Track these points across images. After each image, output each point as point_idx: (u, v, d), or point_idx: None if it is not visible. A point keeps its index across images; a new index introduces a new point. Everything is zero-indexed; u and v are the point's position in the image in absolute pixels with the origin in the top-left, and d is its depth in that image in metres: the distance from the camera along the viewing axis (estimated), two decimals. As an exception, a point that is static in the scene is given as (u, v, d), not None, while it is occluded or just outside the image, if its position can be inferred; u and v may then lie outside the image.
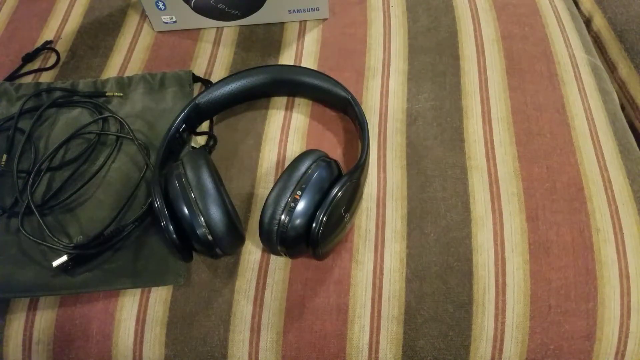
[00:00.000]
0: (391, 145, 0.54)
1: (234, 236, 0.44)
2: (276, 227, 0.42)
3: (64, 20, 0.68)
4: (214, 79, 0.61)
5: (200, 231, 0.42)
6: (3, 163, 0.53)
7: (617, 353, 0.46)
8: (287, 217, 0.42)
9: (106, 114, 0.56)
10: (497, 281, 0.47)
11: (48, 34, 0.67)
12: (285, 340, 0.46)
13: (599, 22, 0.74)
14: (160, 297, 0.48)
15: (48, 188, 0.52)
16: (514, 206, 0.50)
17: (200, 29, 0.66)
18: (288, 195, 0.42)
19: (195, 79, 0.60)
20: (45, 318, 0.48)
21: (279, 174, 0.51)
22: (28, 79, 0.63)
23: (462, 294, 0.47)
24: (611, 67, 0.72)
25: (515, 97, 0.57)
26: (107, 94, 0.58)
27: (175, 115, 0.52)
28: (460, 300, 0.47)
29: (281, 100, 0.58)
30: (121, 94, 0.59)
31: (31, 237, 0.48)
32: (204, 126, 0.57)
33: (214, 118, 0.57)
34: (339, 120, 0.57)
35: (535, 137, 0.54)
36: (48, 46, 0.65)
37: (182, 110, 0.52)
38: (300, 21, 0.66)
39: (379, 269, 0.48)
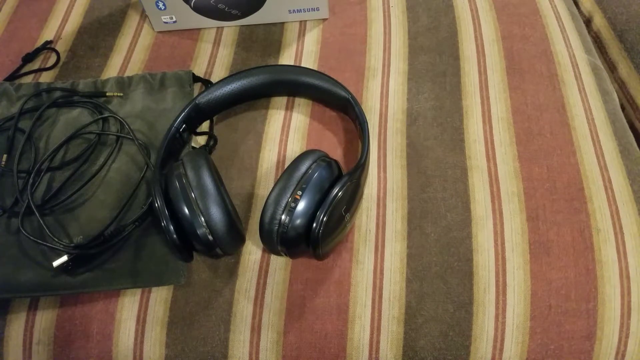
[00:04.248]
0: (391, 145, 0.54)
1: (235, 236, 0.44)
2: (276, 227, 0.42)
3: (64, 20, 0.68)
4: (214, 79, 0.61)
5: (201, 231, 0.42)
6: (3, 163, 0.53)
7: (617, 353, 0.46)
8: (288, 217, 0.42)
9: (106, 114, 0.56)
10: (497, 281, 0.47)
11: (48, 34, 0.67)
12: (286, 340, 0.46)
13: (599, 22, 0.74)
14: (160, 297, 0.48)
15: (48, 188, 0.52)
16: (514, 206, 0.50)
17: (200, 29, 0.66)
18: (288, 195, 0.42)
19: (195, 79, 0.60)
20: (45, 318, 0.48)
21: (279, 174, 0.51)
22: (28, 79, 0.63)
23: (463, 294, 0.47)
24: (611, 67, 0.72)
25: (516, 97, 0.57)
26: (107, 94, 0.58)
27: (175, 115, 0.52)
28: (460, 300, 0.47)
29: (281, 100, 0.58)
30: (121, 94, 0.59)
31: (31, 237, 0.47)
32: (204, 126, 0.57)
33: (214, 118, 0.57)
34: (339, 120, 0.57)
35: (535, 137, 0.54)
36: (48, 46, 0.65)
37: (182, 110, 0.52)
38: (300, 21, 0.66)
39: (380, 269, 0.48)
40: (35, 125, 0.56)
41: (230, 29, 0.66)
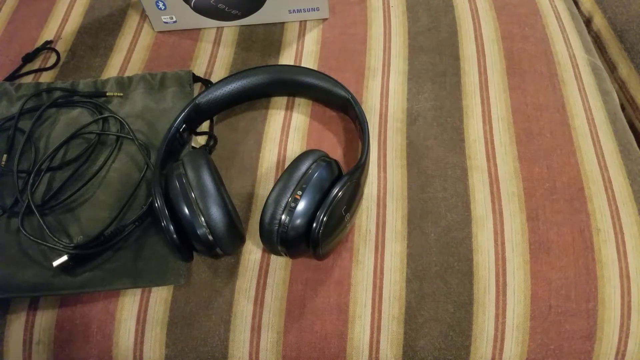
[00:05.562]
0: (391, 145, 0.54)
1: (235, 236, 0.44)
2: (277, 227, 0.42)
3: (64, 20, 0.68)
4: (214, 79, 0.61)
5: (201, 231, 0.42)
6: (3, 163, 0.53)
7: (617, 353, 0.46)
8: (288, 217, 0.42)
9: (106, 114, 0.56)
10: (497, 281, 0.47)
11: (48, 34, 0.67)
12: (286, 340, 0.46)
13: (599, 22, 0.74)
14: (160, 297, 0.48)
15: (48, 188, 0.52)
16: (515, 206, 0.50)
17: (200, 29, 0.66)
18: (288, 195, 0.42)
19: (196, 79, 0.60)
20: (45, 318, 0.48)
21: (279, 174, 0.51)
22: (28, 79, 0.63)
23: (463, 294, 0.47)
24: (611, 67, 0.72)
25: (516, 97, 0.57)
26: (107, 94, 0.58)
27: (175, 115, 0.52)
28: (460, 300, 0.47)
29: (281, 100, 0.58)
30: (121, 94, 0.59)
31: (31, 237, 0.47)
32: (204, 126, 0.57)
33: (214, 118, 0.57)
34: (339, 120, 0.57)
35: (535, 137, 0.54)
36: (48, 46, 0.65)
37: (182, 110, 0.52)
38: (300, 21, 0.66)
39: (380, 269, 0.48)
40: (35, 125, 0.56)
41: (230, 29, 0.66)
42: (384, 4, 0.67)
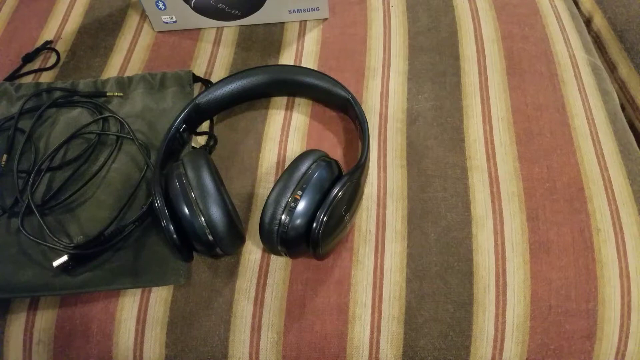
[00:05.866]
0: (391, 145, 0.54)
1: (235, 236, 0.44)
2: (277, 227, 0.42)
3: (64, 20, 0.68)
4: (214, 79, 0.61)
5: (201, 231, 0.42)
6: (3, 163, 0.53)
7: (617, 353, 0.46)
8: (288, 217, 0.42)
9: (106, 114, 0.56)
10: (497, 281, 0.47)
11: (48, 34, 0.67)
12: (286, 340, 0.46)
13: (599, 22, 0.74)
14: (160, 297, 0.48)
15: (48, 188, 0.52)
16: (515, 206, 0.50)
17: (200, 29, 0.66)
18: (288, 195, 0.42)
19: (196, 79, 0.60)
20: (45, 318, 0.48)
21: (279, 174, 0.51)
22: (28, 79, 0.63)
23: (463, 294, 0.47)
24: (611, 67, 0.72)
25: (516, 97, 0.57)
26: (107, 94, 0.58)
27: (175, 115, 0.52)
28: (460, 300, 0.47)
29: (281, 100, 0.58)
30: (121, 94, 0.59)
31: (31, 237, 0.47)
32: (204, 126, 0.57)
33: (214, 118, 0.57)
34: (339, 120, 0.57)
35: (535, 137, 0.54)
36: (48, 46, 0.65)
37: (182, 110, 0.52)
38: (301, 21, 0.66)
39: (380, 269, 0.48)
40: (35, 125, 0.56)
41: (230, 29, 0.66)
42: (384, 4, 0.67)
